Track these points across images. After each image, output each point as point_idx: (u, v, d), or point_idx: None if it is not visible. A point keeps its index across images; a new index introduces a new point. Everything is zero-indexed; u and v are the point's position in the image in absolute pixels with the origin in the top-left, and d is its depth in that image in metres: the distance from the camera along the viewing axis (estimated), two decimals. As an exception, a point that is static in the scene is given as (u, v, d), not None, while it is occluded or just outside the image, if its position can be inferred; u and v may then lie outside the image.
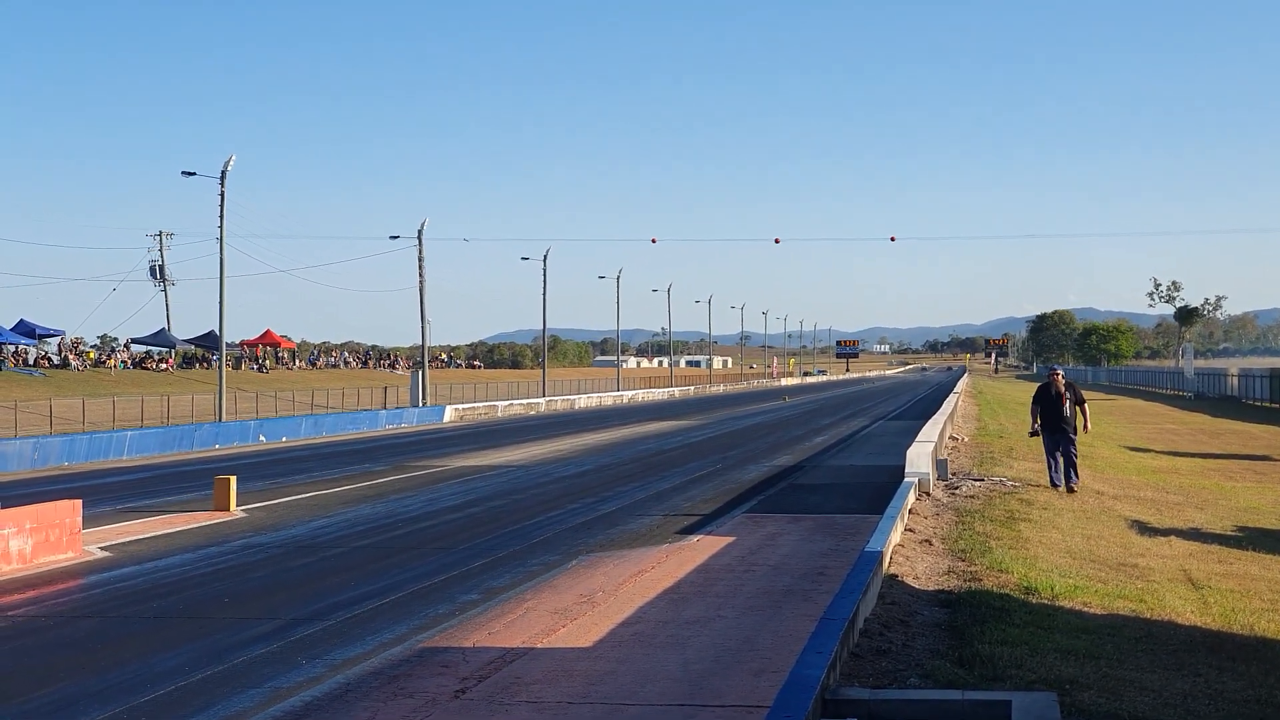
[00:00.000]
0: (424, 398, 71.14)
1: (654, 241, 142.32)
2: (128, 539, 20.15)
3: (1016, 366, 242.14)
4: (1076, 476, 23.89)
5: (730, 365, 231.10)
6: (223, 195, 55.64)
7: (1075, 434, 24.01)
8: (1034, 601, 13.16)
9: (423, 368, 75.72)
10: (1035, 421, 24.40)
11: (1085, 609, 13.08)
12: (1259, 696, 9.97)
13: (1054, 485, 23.67)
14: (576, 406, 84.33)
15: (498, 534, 20.11)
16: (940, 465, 25.50)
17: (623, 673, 11.00)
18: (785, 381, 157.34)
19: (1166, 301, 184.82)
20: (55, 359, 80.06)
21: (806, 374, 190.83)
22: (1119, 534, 19.21)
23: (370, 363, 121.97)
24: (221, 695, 10.54)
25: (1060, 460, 23.81)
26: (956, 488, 23.70)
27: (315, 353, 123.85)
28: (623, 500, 24.66)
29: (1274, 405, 67.71)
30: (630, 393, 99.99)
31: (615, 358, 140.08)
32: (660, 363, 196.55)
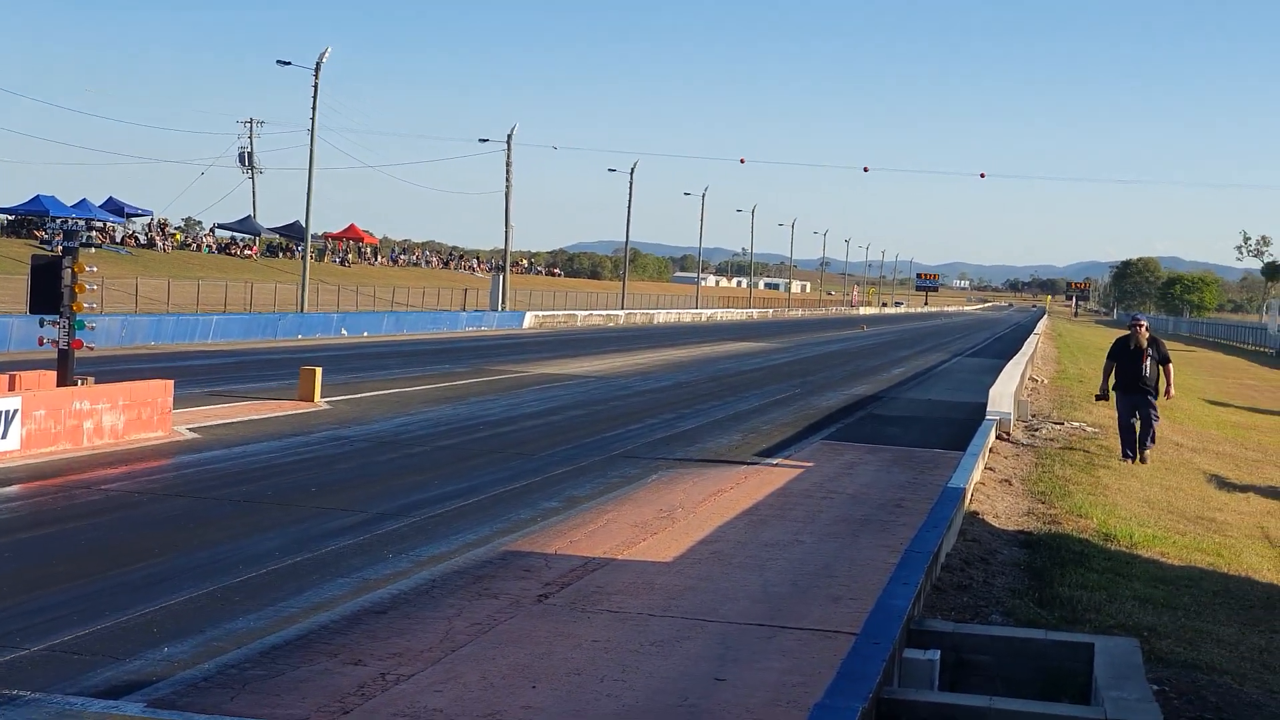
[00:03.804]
0: (504, 302, 71.51)
1: (742, 161, 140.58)
2: (215, 422, 20.58)
3: (1097, 311, 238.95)
4: (1153, 443, 20.71)
5: (809, 290, 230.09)
6: (316, 87, 56.11)
7: (1156, 396, 20.53)
8: (1112, 548, 13.19)
9: (504, 272, 76.09)
10: (1108, 381, 21.07)
11: (1163, 559, 13.10)
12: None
13: (1125, 458, 20.36)
14: (655, 321, 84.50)
15: (578, 443, 20.32)
16: (1020, 406, 25.39)
17: (703, 589, 11.17)
18: (864, 310, 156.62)
19: (1255, 256, 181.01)
20: (141, 239, 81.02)
21: (885, 305, 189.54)
22: (1197, 487, 19.09)
23: (451, 264, 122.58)
24: (312, 582, 10.81)
25: (1136, 425, 20.52)
26: (1036, 430, 23.63)
27: (397, 250, 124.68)
28: (702, 419, 24.80)
29: (1361, 368, 66.57)
30: (709, 311, 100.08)
31: (695, 275, 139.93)
32: (739, 283, 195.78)
